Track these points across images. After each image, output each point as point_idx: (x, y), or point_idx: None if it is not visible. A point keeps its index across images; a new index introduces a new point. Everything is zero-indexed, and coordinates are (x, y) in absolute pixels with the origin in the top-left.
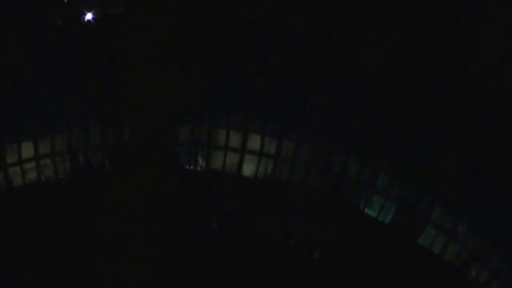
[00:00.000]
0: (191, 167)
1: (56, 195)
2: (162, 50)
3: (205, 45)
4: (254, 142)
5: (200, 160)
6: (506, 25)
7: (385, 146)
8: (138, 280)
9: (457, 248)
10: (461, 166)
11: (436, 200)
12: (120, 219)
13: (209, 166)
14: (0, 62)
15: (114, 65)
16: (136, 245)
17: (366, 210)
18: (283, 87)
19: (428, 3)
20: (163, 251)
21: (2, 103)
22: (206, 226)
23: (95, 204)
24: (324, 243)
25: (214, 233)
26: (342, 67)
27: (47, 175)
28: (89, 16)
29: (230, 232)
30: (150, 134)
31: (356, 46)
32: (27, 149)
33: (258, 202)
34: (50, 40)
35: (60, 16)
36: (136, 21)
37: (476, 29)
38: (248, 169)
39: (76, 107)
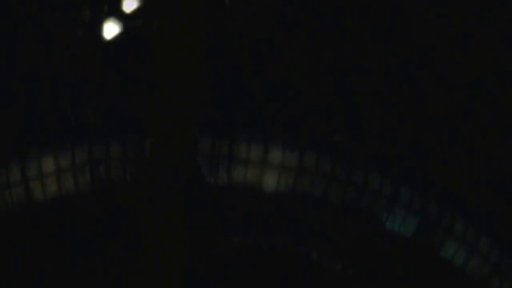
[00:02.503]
0: (212, 179)
1: (77, 209)
2: (183, 63)
3: (226, 58)
4: (275, 155)
5: (221, 172)
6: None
7: (406, 159)
8: None
9: (479, 261)
10: (483, 179)
11: (459, 213)
12: (141, 232)
13: (230, 179)
14: (19, 75)
15: (134, 77)
16: (156, 257)
17: (387, 223)
18: (303, 101)
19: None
20: (183, 264)
21: (22, 115)
22: (226, 239)
23: (116, 217)
24: (346, 256)
25: (235, 246)
26: (358, 82)
27: (68, 188)
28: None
29: (250, 245)
30: (171, 147)
31: (368, 60)
32: (48, 163)
33: (279, 214)
34: (70, 51)
35: (79, 28)
36: (155, 34)
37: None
38: (269, 181)
39: (96, 119)
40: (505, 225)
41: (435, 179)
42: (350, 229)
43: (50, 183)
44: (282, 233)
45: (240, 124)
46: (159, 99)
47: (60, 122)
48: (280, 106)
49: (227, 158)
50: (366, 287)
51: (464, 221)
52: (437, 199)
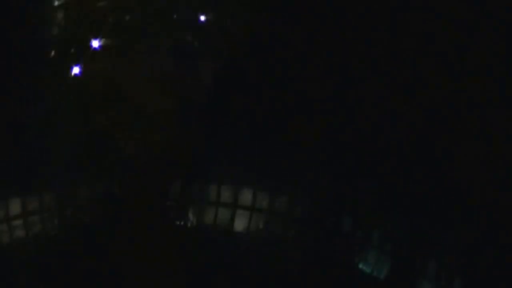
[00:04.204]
0: (182, 222)
1: (45, 252)
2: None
3: (197, 98)
4: (246, 197)
5: (191, 215)
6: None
7: (379, 202)
8: None
9: None
10: (457, 225)
11: (431, 255)
12: (110, 275)
13: (200, 222)
14: None
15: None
16: None
17: (360, 265)
18: (276, 144)
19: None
20: None
21: None
22: (196, 282)
23: (86, 260)
24: None
25: None
26: (336, 127)
27: (35, 232)
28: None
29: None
30: (141, 188)
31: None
32: (15, 206)
33: (250, 258)
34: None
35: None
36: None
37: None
38: (240, 224)
39: (65, 161)
40: (478, 267)
41: (407, 222)
42: (323, 272)
43: (17, 227)
44: (253, 275)
45: (211, 166)
46: (129, 141)
47: (28, 164)
48: (252, 149)
49: (198, 200)
50: None
51: (437, 263)
52: (409, 242)
